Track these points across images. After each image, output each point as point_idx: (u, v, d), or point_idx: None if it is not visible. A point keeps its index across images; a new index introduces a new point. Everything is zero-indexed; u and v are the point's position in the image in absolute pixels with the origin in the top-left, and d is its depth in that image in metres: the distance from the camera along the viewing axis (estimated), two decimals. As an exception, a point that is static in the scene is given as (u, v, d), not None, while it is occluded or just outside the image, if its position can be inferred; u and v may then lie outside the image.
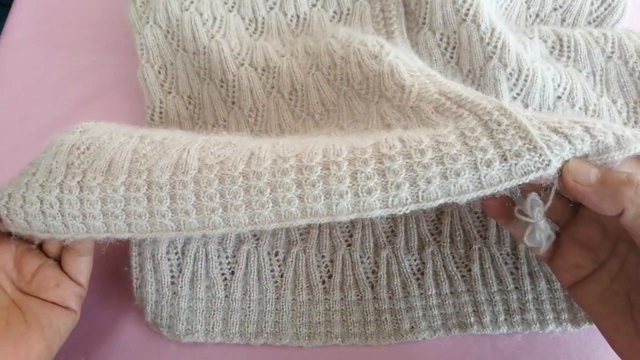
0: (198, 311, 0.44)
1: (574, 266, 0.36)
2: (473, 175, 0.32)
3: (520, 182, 0.32)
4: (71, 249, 0.41)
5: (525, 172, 0.32)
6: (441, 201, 0.32)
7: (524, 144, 0.32)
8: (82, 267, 0.41)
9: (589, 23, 0.58)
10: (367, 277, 0.46)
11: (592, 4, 0.57)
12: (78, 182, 0.36)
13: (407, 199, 0.33)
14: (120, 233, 0.36)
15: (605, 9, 0.57)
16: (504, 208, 0.37)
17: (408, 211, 0.33)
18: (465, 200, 0.33)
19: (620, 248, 0.35)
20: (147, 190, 0.35)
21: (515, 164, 0.32)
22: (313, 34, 0.55)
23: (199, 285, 0.45)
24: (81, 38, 0.61)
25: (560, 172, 0.32)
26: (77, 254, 0.41)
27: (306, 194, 0.33)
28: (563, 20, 0.58)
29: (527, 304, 0.44)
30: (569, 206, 0.36)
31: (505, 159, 0.32)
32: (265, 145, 0.36)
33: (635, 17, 0.60)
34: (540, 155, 0.32)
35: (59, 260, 0.42)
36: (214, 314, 0.45)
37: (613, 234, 0.35)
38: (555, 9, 0.58)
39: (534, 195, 0.34)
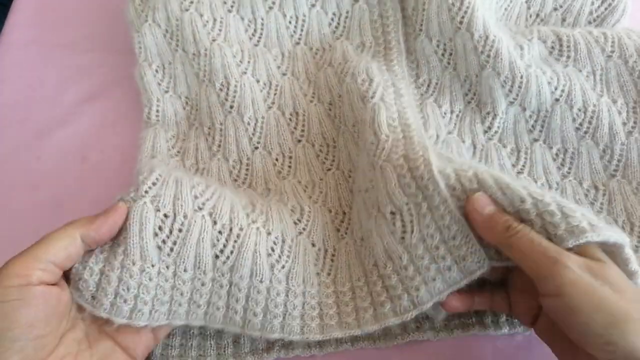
0: (209, 335, 0.44)
1: (527, 309, 0.40)
2: (442, 277, 0.39)
3: (470, 280, 0.38)
4: None
5: (471, 272, 0.38)
6: (431, 303, 0.39)
7: (467, 249, 0.38)
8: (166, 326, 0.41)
9: (590, 23, 0.58)
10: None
11: (592, 3, 0.57)
12: (173, 272, 0.39)
13: (409, 306, 0.40)
14: (197, 321, 0.40)
15: (606, 9, 0.57)
16: (464, 304, 0.42)
17: (413, 317, 0.40)
18: (444, 297, 0.39)
19: None
20: (229, 288, 0.40)
21: (464, 267, 0.38)
22: (312, 48, 0.56)
23: None
24: (81, 38, 0.61)
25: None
26: None
27: (342, 311, 0.42)
28: (563, 20, 0.58)
29: None
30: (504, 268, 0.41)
31: (457, 262, 0.39)
32: (311, 265, 0.44)
33: (636, 17, 0.59)
34: (479, 256, 0.38)
35: None
36: (224, 337, 0.44)
37: None
38: (555, 9, 0.58)
39: None
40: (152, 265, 0.38)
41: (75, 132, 0.55)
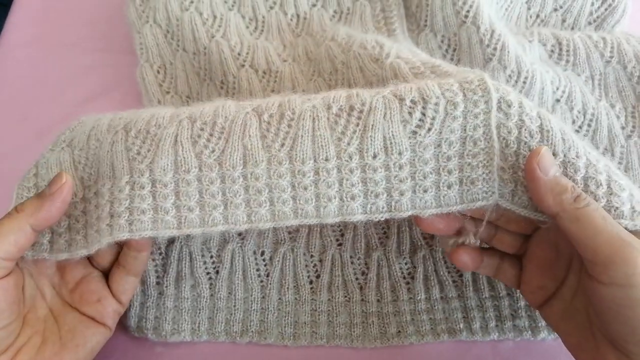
0: (184, 310, 0.45)
1: (538, 288, 0.38)
2: (436, 193, 0.35)
3: (468, 208, 0.35)
4: (122, 267, 0.41)
5: (473, 200, 0.35)
6: (409, 213, 0.36)
7: (483, 173, 0.35)
8: (127, 286, 0.41)
9: (590, 23, 0.57)
10: (357, 279, 0.46)
11: (592, 4, 0.57)
12: (95, 192, 0.37)
13: (383, 207, 0.36)
14: (122, 232, 0.36)
15: (606, 9, 0.57)
16: (473, 261, 0.39)
17: (383, 219, 0.36)
18: (427, 215, 0.36)
19: (574, 264, 0.36)
20: (151, 187, 0.36)
21: (467, 190, 0.35)
22: (313, 34, 0.55)
23: (184, 285, 0.45)
24: (81, 38, 0.61)
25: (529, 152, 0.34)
26: (127, 272, 0.41)
27: (299, 195, 0.36)
28: (563, 20, 0.57)
29: (519, 311, 0.44)
30: (521, 237, 0.39)
31: (462, 184, 0.35)
32: (253, 130, 0.36)
33: (636, 18, 0.59)
34: (489, 186, 0.35)
35: (104, 273, 0.41)
36: (199, 313, 0.45)
37: (565, 251, 0.36)
38: (555, 10, 0.58)
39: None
40: (77, 196, 0.38)
41: (75, 132, 0.55)
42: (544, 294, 0.38)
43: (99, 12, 0.63)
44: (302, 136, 0.35)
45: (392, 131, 0.35)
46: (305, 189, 0.35)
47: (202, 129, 0.36)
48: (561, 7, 0.58)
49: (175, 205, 0.36)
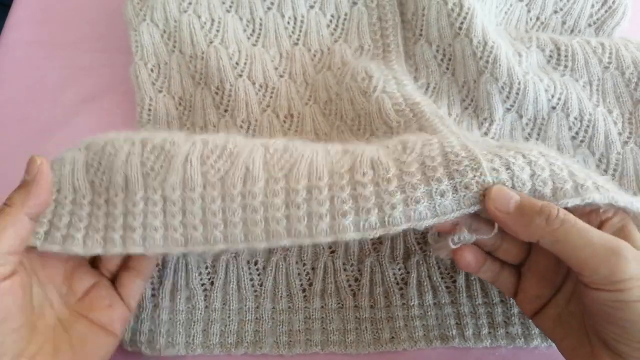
0: (178, 323, 0.45)
1: (535, 297, 0.38)
2: (429, 203, 0.34)
3: (468, 212, 0.34)
4: (132, 269, 0.41)
5: (472, 203, 0.34)
6: (404, 227, 0.34)
7: (474, 176, 0.34)
8: (137, 290, 0.41)
9: (590, 25, 0.57)
10: (349, 285, 0.47)
11: (592, 6, 0.57)
12: (105, 200, 0.37)
13: (376, 223, 0.35)
14: (134, 247, 0.36)
15: (606, 12, 0.56)
16: (476, 262, 0.39)
17: (377, 236, 0.35)
18: (424, 227, 0.35)
19: (572, 271, 0.36)
20: (162, 205, 0.37)
21: (464, 196, 0.34)
22: (310, 50, 0.56)
23: (179, 297, 0.45)
24: (81, 38, 0.61)
25: (483, 197, 0.34)
26: (136, 275, 0.41)
27: (292, 214, 0.35)
28: (563, 23, 0.57)
29: (512, 318, 0.44)
30: (523, 246, 0.39)
31: (456, 191, 0.34)
32: (257, 156, 0.37)
33: (635, 21, 0.58)
34: (486, 188, 0.34)
35: (111, 280, 0.42)
36: (194, 325, 0.45)
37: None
38: (555, 12, 0.57)
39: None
40: (85, 198, 0.38)
41: (75, 132, 0.55)
42: (540, 303, 0.38)
43: (99, 12, 0.63)
44: (300, 162, 0.37)
45: (378, 156, 0.37)
46: (298, 207, 0.35)
47: (212, 151, 0.37)
48: (561, 10, 0.57)
49: (183, 224, 0.36)
